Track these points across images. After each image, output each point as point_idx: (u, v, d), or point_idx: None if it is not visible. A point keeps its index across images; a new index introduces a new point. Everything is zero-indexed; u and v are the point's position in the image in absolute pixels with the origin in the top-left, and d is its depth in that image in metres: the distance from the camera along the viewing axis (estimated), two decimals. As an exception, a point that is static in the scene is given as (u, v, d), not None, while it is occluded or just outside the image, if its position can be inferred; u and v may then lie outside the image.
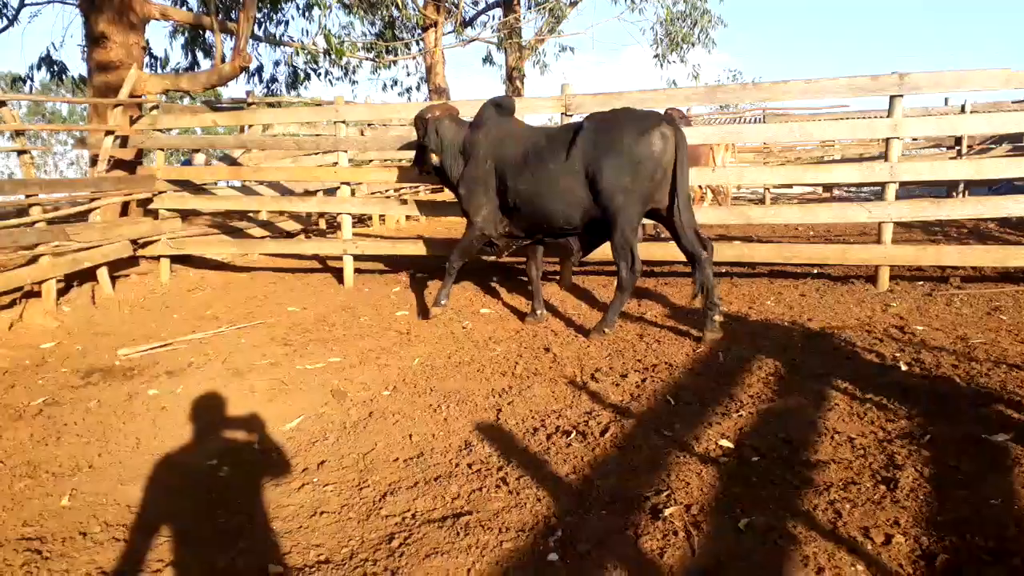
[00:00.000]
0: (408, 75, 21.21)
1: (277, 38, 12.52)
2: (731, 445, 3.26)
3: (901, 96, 5.62)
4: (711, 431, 3.42)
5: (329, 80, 13.85)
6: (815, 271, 6.80)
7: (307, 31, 24.19)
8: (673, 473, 2.99)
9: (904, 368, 4.17)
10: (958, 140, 12.05)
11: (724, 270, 7.10)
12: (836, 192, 15.62)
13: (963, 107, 12.68)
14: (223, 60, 7.83)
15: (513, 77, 20.00)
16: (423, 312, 6.24)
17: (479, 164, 5.56)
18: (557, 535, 2.55)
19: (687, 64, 16.34)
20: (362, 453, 3.43)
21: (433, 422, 3.77)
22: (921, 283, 6.16)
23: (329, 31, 9.82)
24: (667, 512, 2.65)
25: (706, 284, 4.95)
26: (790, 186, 15.40)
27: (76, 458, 3.61)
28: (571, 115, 6.38)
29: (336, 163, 7.12)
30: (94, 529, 2.86)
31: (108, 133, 7.11)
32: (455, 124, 5.85)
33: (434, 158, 5.90)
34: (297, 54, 12.23)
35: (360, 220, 11.98)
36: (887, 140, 5.73)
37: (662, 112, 5.14)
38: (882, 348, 4.56)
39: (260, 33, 12.26)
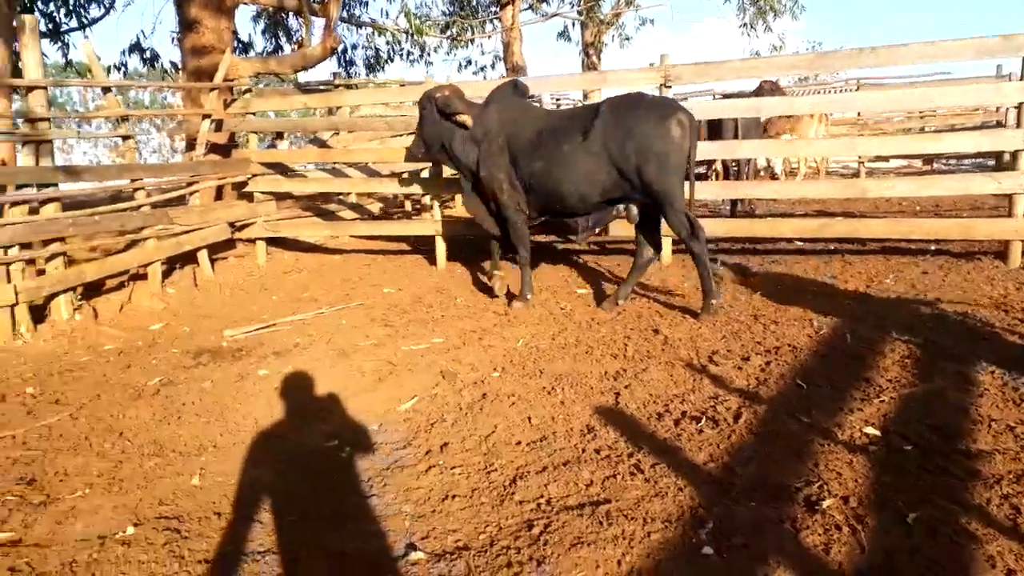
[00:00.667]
0: (482, 54, 21.06)
1: (357, 19, 12.55)
2: (877, 433, 3.04)
3: (1036, 57, 5.19)
4: (852, 417, 3.21)
5: (411, 60, 13.85)
6: (932, 247, 6.41)
7: (386, 12, 24.33)
8: (820, 462, 2.80)
9: (1053, 351, 3.85)
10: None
11: (833, 247, 6.77)
12: (936, 164, 14.80)
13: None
14: (310, 43, 7.85)
15: (589, 52, 19.68)
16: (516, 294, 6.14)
17: (493, 143, 5.48)
18: (708, 527, 2.41)
19: (772, 33, 15.70)
20: (483, 436, 3.34)
21: (550, 405, 3.66)
22: (1056, 259, 5.72)
23: (410, 10, 9.76)
24: (825, 504, 2.47)
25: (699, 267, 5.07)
26: (886, 159, 14.67)
27: (199, 438, 3.64)
28: (670, 86, 6.14)
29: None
30: (226, 509, 2.86)
31: (205, 117, 7.22)
32: (465, 105, 5.67)
33: (468, 120, 5.51)
34: (379, 34, 12.24)
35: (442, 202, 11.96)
36: (1019, 105, 5.30)
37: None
38: (1022, 328, 4.23)
39: (343, 14, 12.31)
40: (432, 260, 7.52)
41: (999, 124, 13.44)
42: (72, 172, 5.65)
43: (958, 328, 4.36)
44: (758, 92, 9.35)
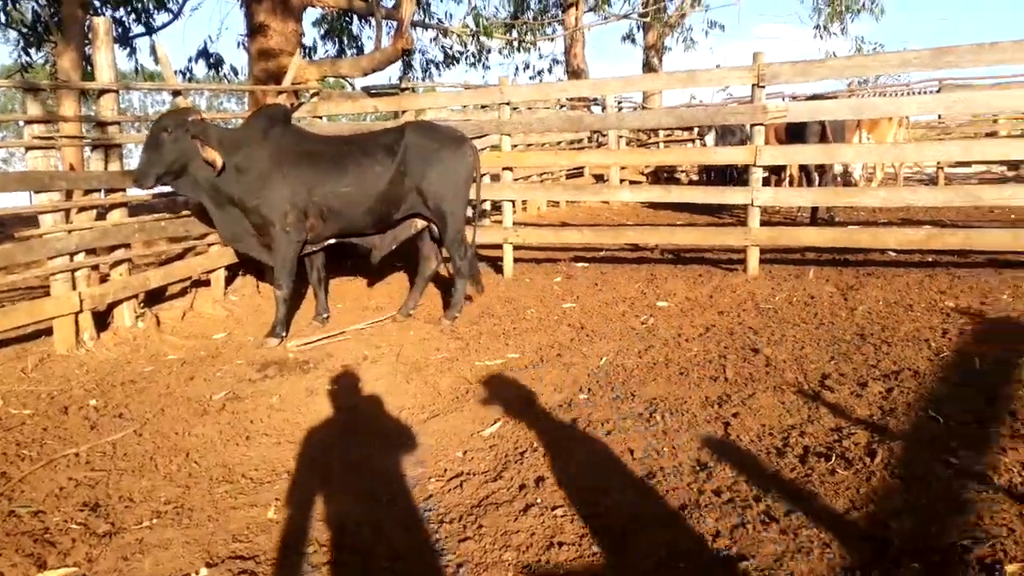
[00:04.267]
0: (540, 58, 20.80)
1: (422, 21, 12.38)
2: (1041, 479, 2.63)
3: None
4: (1006, 459, 2.79)
5: (470, 64, 13.60)
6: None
7: (450, 14, 24.21)
8: (984, 515, 2.40)
9: None
10: None
11: (931, 259, 6.28)
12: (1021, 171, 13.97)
13: None
14: (380, 44, 7.65)
15: (650, 55, 19.23)
16: (594, 305, 5.81)
17: (273, 171, 5.25)
18: (871, 596, 2.05)
19: (847, 36, 15.04)
20: (581, 468, 3.02)
21: (650, 435, 3.31)
22: None
23: (479, 12, 9.51)
24: (1008, 569, 2.08)
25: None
26: (968, 164, 13.90)
27: (271, 461, 3.40)
28: (763, 86, 5.73)
29: (498, 146, 6.77)
30: (308, 549, 2.59)
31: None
32: (219, 132, 5.31)
33: (217, 160, 5.02)
34: (446, 36, 12.03)
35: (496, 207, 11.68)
36: None
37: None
38: None
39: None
40: (499, 269, 7.24)
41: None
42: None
43: (1101, 353, 3.88)
44: (812, 98, 8.85)
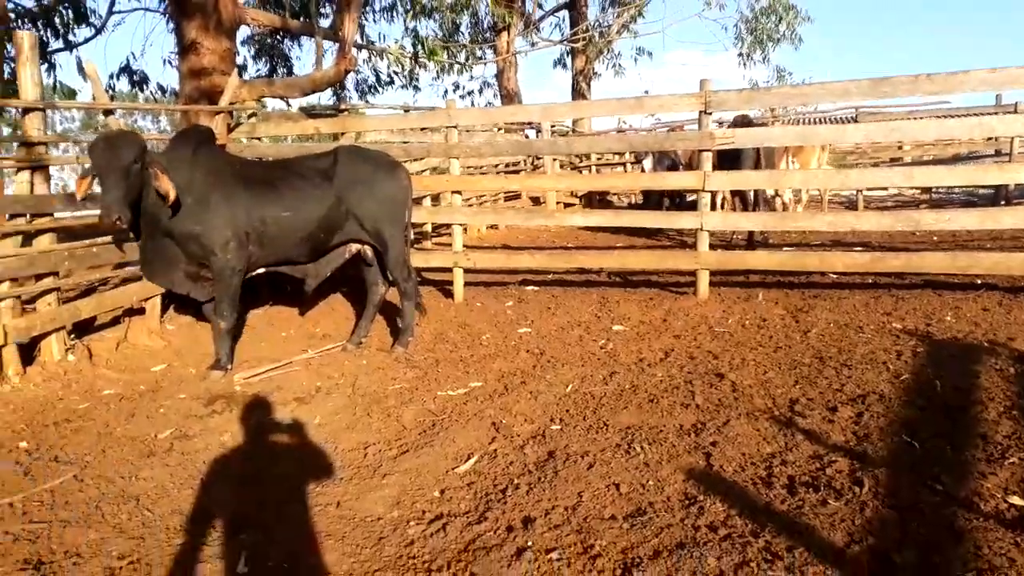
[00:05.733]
0: (470, 79, 20.79)
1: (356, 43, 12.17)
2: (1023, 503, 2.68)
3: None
4: (988, 484, 2.83)
5: (405, 86, 13.43)
6: (978, 282, 6.13)
7: (383, 35, 23.99)
8: (983, 544, 2.41)
9: None
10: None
11: (871, 280, 6.47)
12: (933, 194, 14.73)
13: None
14: (321, 65, 7.44)
15: (579, 81, 19.50)
16: (550, 329, 5.75)
17: (211, 196, 4.94)
18: (892, 637, 2.01)
19: (769, 65, 15.62)
20: (569, 507, 2.91)
21: (633, 468, 3.24)
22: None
23: (419, 33, 9.40)
24: (1020, 605, 2.08)
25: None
26: (885, 188, 14.57)
27: (230, 507, 3.17)
28: (710, 112, 5.82)
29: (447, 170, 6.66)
30: (288, 609, 2.40)
31: (210, 141, 6.76)
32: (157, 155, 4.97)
33: (171, 191, 4.56)
34: (382, 57, 11.84)
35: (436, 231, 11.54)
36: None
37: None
38: (1121, 375, 3.92)
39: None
40: (448, 293, 7.11)
41: (997, 152, 13.44)
42: (72, 200, 5.14)
43: (1048, 373, 4.03)
44: (733, 124, 9.10)
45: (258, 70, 12.14)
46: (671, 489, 3.01)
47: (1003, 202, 11.49)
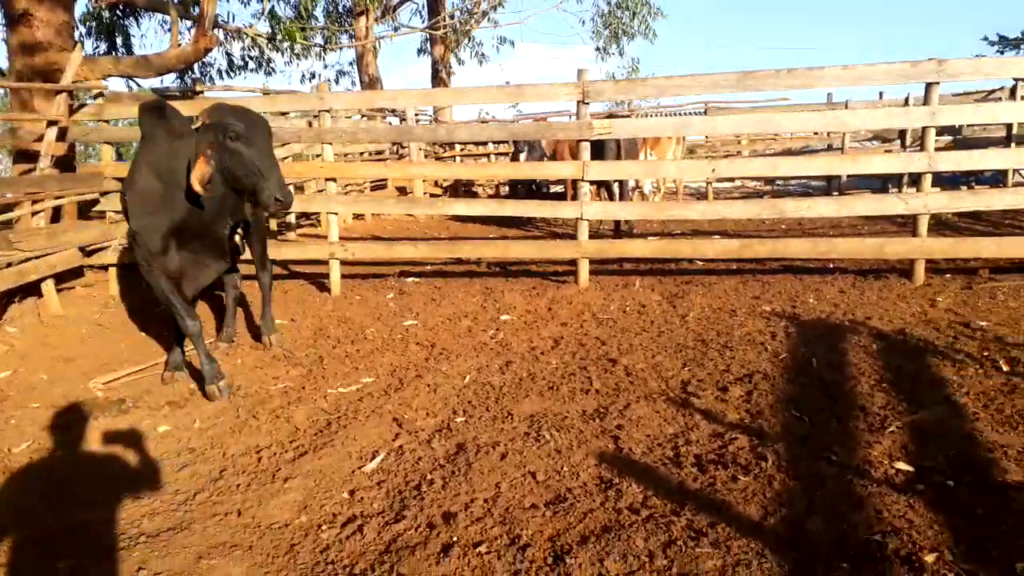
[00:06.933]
0: (325, 67, 20.14)
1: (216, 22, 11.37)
2: (910, 468, 2.89)
3: (938, 84, 5.46)
4: (874, 452, 3.04)
5: (255, 70, 12.69)
6: (831, 266, 6.63)
7: (233, 15, 22.69)
8: (882, 509, 2.58)
9: (1006, 368, 3.95)
10: (902, 133, 12.24)
11: (735, 267, 6.84)
12: (775, 185, 15.81)
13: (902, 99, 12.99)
14: (178, 43, 6.90)
15: (439, 69, 19.37)
16: (437, 321, 5.65)
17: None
18: (823, 603, 2.10)
19: (624, 57, 16.17)
20: (487, 499, 2.85)
21: (545, 455, 3.22)
22: (948, 275, 6.06)
23: (276, 14, 8.94)
24: (927, 560, 2.24)
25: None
26: (732, 180, 15.49)
27: (121, 523, 2.87)
28: (587, 103, 5.91)
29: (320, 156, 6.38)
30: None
31: (50, 124, 6.10)
32: None
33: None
34: (234, 39, 11.15)
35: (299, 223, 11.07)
36: (924, 128, 5.57)
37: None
38: (964, 346, 4.34)
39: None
40: (323, 287, 6.83)
41: (830, 147, 14.61)
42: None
43: (907, 347, 4.40)
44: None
45: (96, 48, 11.11)
46: (586, 474, 3.02)
47: (836, 192, 12.51)
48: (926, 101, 5.50)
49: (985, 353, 4.20)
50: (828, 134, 14.33)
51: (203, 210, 4.15)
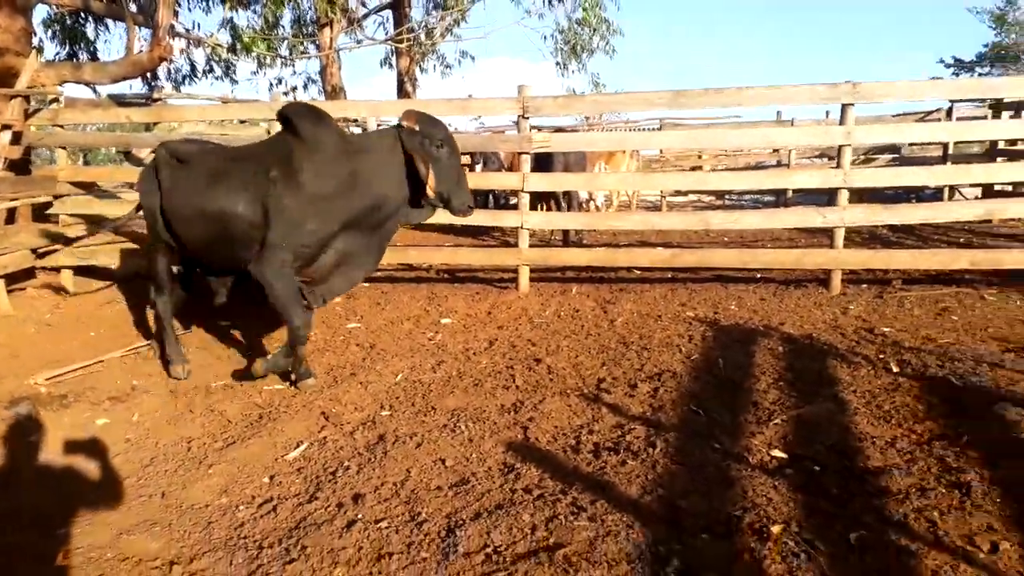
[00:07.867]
0: (293, 75, 20.26)
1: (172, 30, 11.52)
2: (784, 455, 3.18)
3: (853, 104, 5.83)
4: (756, 441, 3.33)
5: (220, 78, 12.84)
6: (758, 276, 6.97)
7: (198, 24, 22.73)
8: (749, 489, 2.87)
9: (896, 369, 4.27)
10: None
11: (671, 275, 7.15)
12: (726, 199, 16.27)
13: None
14: (134, 50, 7.07)
15: (403, 81, 19.58)
16: (380, 324, 5.87)
17: None
18: (674, 564, 2.36)
19: (585, 73, 16.56)
20: (398, 482, 3.09)
21: (458, 444, 3.47)
22: (864, 285, 6.43)
23: (236, 25, 9.12)
24: (774, 530, 2.52)
25: None
26: (685, 193, 15.91)
27: (54, 508, 3.05)
28: (527, 117, 6.20)
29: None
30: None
31: (4, 128, 6.24)
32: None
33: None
34: (199, 47, 11.30)
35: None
36: (840, 147, 5.93)
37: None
38: (864, 350, 4.66)
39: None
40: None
41: (779, 164, 15.12)
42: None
43: (811, 351, 4.72)
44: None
45: (56, 54, 11.21)
46: (492, 460, 3.28)
47: (782, 206, 12.99)
48: (842, 121, 5.87)
49: (881, 356, 4.52)
50: (778, 151, 14.81)
51: (395, 213, 4.39)
